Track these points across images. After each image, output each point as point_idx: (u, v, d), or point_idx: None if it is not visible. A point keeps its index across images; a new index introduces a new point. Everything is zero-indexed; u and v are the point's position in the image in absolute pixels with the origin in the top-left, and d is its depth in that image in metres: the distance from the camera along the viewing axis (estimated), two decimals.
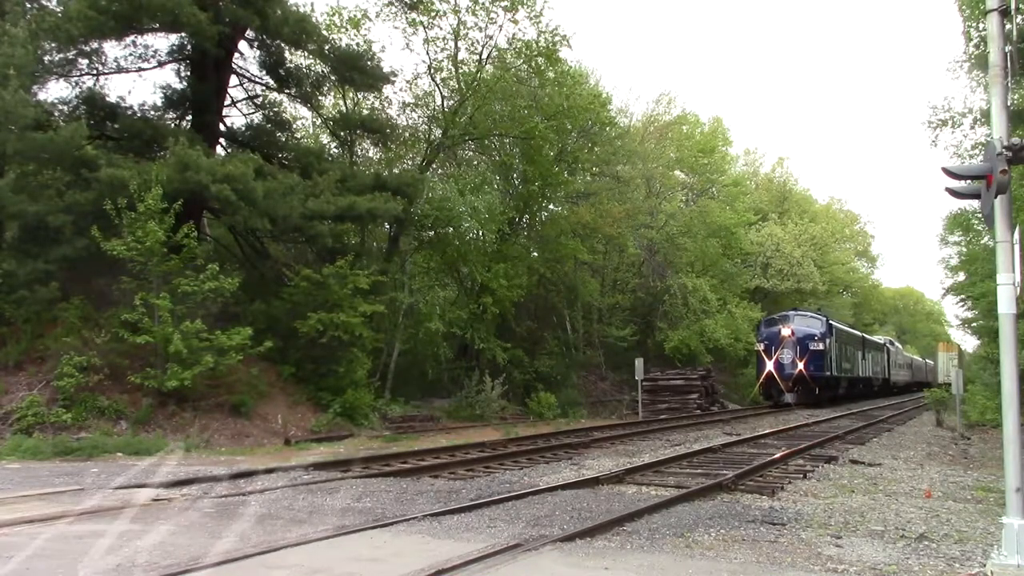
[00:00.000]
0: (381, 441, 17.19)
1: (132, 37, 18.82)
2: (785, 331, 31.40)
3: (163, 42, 19.66)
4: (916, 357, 68.74)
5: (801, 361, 30.53)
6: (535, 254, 29.51)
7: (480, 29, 24.76)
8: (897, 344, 57.47)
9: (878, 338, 49.66)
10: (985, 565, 6.06)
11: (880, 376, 45.75)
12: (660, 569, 5.85)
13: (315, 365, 18.72)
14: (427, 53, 25.14)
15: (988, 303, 21.65)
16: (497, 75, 25.27)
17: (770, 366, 31.17)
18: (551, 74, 26.44)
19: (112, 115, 18.85)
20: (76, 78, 18.77)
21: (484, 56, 25.22)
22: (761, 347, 32.31)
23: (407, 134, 26.30)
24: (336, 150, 25.55)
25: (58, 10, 17.16)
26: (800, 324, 31.95)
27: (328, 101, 25.30)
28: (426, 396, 24.84)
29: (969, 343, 44.96)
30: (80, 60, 18.52)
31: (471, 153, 28.97)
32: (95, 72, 19.15)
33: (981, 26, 15.13)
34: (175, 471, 11.17)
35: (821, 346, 31.18)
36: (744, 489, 9.98)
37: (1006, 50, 6.46)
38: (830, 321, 33.65)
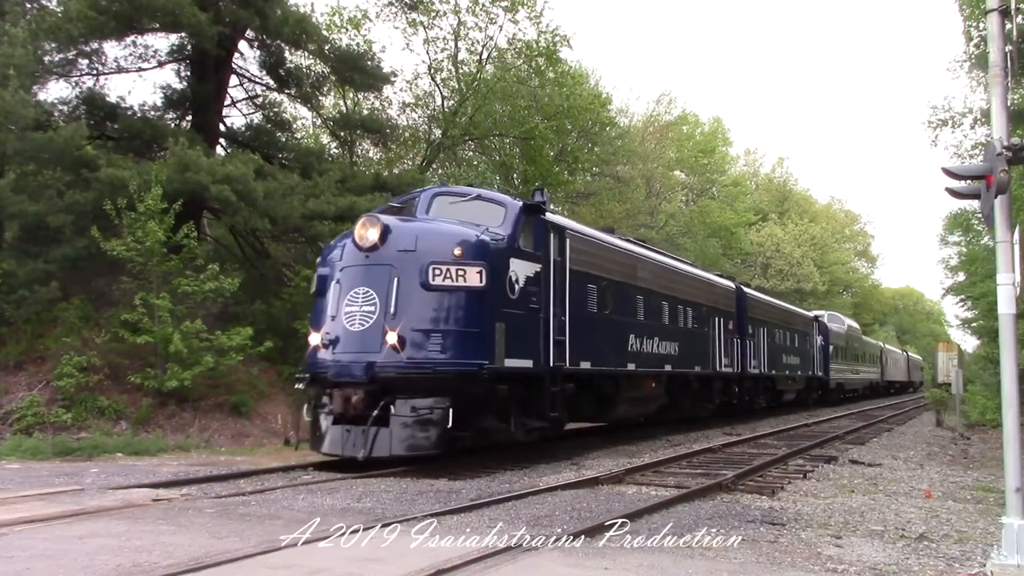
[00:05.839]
0: None
1: (132, 37, 18.85)
2: (372, 233, 10.39)
3: (163, 42, 19.72)
4: (891, 347, 53.69)
5: (398, 321, 10.03)
6: None
7: (480, 29, 24.89)
8: (849, 321, 38.80)
9: (819, 313, 33.31)
10: (985, 565, 6.06)
11: (801, 373, 27.84)
12: (660, 569, 5.84)
13: None
14: (427, 53, 25.27)
15: (988, 303, 21.66)
16: (497, 75, 25.33)
17: (315, 339, 10.84)
18: (551, 74, 26.50)
19: (112, 115, 18.86)
20: (76, 78, 18.81)
21: (484, 56, 25.30)
22: (315, 286, 11.42)
23: (407, 134, 26.35)
24: (336, 150, 25.58)
25: (58, 10, 17.19)
26: (437, 212, 11.79)
27: (328, 101, 25.36)
28: None
29: (969, 343, 44.79)
30: (80, 60, 18.55)
31: (471, 153, 29.01)
32: (95, 72, 19.19)
33: (981, 26, 15.12)
34: (175, 471, 11.17)
35: (480, 279, 10.24)
36: (744, 489, 9.97)
37: (1006, 50, 6.47)
38: (547, 213, 12.30)
